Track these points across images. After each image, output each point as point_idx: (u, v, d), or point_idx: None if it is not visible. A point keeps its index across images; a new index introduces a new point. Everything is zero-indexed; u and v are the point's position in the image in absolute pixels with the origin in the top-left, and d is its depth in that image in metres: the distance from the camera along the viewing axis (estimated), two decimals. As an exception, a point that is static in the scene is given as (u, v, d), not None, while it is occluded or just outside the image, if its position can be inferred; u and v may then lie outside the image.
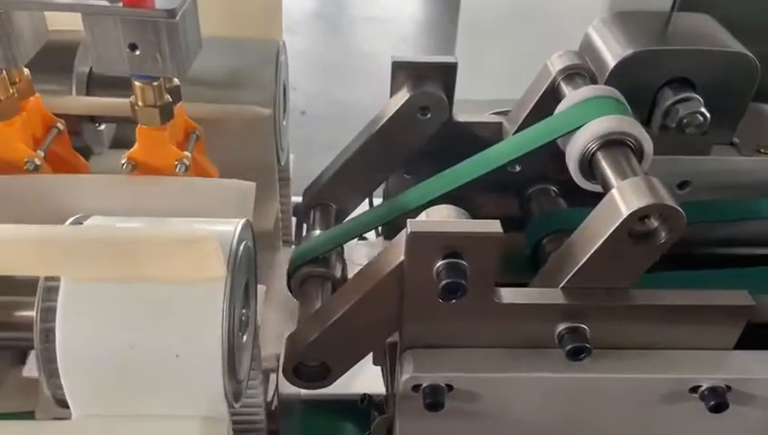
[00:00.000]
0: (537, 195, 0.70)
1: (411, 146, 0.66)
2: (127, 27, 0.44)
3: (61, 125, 0.54)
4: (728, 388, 0.48)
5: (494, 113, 0.71)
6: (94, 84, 0.64)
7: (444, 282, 0.44)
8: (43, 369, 0.39)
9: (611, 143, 0.52)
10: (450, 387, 0.48)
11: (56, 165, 0.54)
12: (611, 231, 0.46)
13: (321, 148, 0.90)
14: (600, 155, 0.52)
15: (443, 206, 0.49)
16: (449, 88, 0.66)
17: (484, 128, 0.68)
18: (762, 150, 0.74)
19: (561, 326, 0.48)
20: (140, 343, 0.38)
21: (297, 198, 0.77)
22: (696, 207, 0.67)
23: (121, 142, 0.70)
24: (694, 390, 0.48)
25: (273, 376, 0.64)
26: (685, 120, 0.67)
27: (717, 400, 0.47)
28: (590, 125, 0.53)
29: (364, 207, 0.73)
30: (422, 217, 0.48)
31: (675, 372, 0.48)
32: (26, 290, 0.40)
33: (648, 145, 0.53)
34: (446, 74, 0.65)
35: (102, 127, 0.66)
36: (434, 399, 0.47)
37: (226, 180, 0.52)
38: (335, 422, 0.84)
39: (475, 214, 0.51)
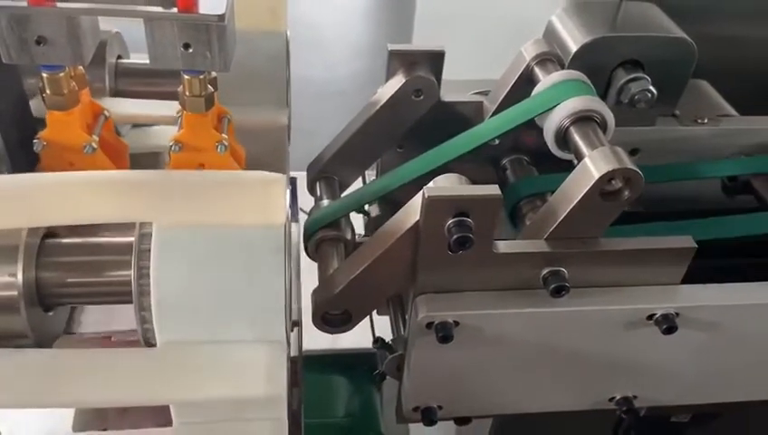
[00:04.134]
0: (511, 164, 0.81)
1: (405, 124, 0.76)
2: (183, 30, 0.52)
3: (107, 113, 0.61)
4: (677, 314, 0.60)
5: (475, 93, 0.81)
6: (120, 74, 0.71)
7: (455, 236, 0.54)
8: (137, 303, 0.47)
9: (581, 119, 0.63)
10: (457, 323, 0.59)
11: (104, 147, 0.61)
12: (585, 191, 0.56)
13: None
14: (572, 129, 0.63)
15: (449, 175, 0.58)
16: (438, 73, 0.75)
17: (467, 107, 0.78)
18: (698, 120, 0.86)
19: (546, 270, 0.59)
20: (218, 277, 0.47)
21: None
22: (649, 170, 0.80)
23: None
24: (650, 317, 0.60)
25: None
26: (636, 97, 0.79)
27: (668, 324, 0.60)
28: (563, 104, 0.63)
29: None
30: (431, 184, 0.58)
31: (635, 303, 0.60)
32: (117, 251, 0.48)
33: (611, 120, 0.64)
34: (435, 61, 0.74)
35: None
36: (445, 333, 0.58)
37: (257, 172, 0.59)
38: (343, 374, 0.95)
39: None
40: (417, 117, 0.75)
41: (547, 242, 0.59)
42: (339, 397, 1.06)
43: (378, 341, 0.68)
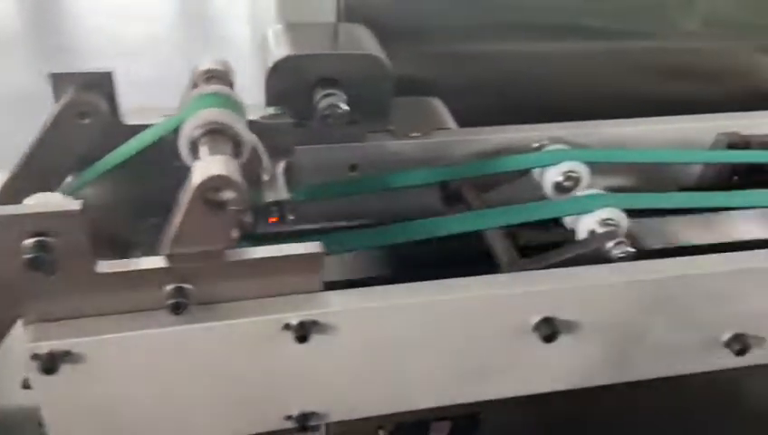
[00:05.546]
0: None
1: (79, 148, 0.72)
2: None
3: None
4: (314, 322, 0.58)
5: (165, 115, 0.78)
6: None
7: (27, 257, 0.50)
8: None
9: (211, 132, 0.61)
10: (68, 353, 0.54)
11: None
12: (189, 200, 0.54)
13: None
14: (201, 141, 0.61)
15: (47, 193, 0.55)
16: (110, 94, 0.73)
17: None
18: (410, 135, 0.88)
19: (167, 288, 0.56)
20: None
21: None
22: (365, 181, 0.80)
23: None
24: (287, 327, 0.58)
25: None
26: (327, 112, 0.79)
27: (302, 332, 0.58)
28: (193, 116, 0.62)
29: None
30: (25, 201, 0.54)
31: (266, 314, 0.58)
32: None
33: (246, 134, 0.62)
34: (103, 83, 0.72)
35: None
36: (47, 365, 0.53)
37: None
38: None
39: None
40: (91, 140, 0.72)
41: (166, 258, 0.56)
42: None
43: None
